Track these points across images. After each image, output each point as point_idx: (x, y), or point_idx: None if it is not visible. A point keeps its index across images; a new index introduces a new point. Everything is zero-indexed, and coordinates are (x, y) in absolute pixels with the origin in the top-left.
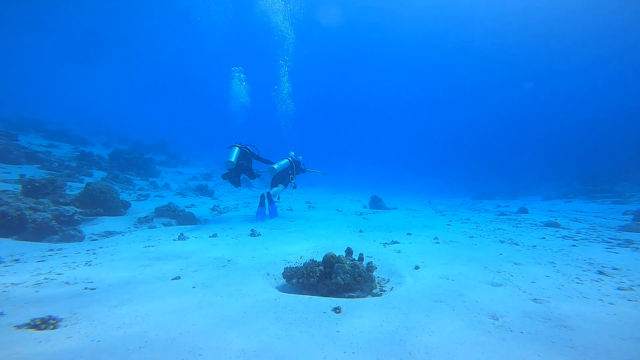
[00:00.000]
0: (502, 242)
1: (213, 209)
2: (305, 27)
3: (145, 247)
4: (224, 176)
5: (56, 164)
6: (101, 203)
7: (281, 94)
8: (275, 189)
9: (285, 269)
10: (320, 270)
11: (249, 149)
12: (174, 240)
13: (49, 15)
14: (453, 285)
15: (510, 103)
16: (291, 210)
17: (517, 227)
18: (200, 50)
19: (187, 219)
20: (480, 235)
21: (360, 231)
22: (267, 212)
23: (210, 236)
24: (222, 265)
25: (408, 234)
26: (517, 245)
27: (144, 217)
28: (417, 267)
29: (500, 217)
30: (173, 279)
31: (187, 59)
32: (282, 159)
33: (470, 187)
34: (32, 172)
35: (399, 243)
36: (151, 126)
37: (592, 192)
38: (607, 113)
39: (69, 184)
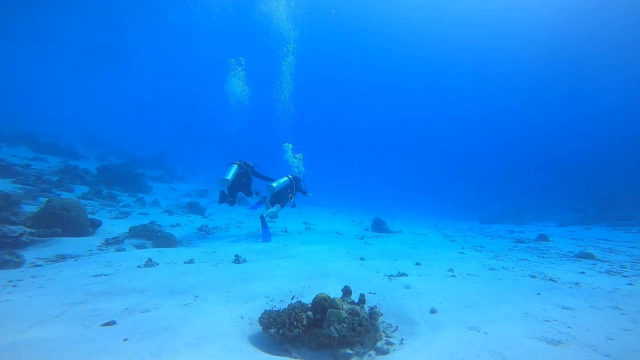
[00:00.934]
0: (532, 276)
1: (200, 229)
2: (306, 38)
3: (95, 276)
4: (221, 201)
5: (33, 178)
6: (62, 222)
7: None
8: (271, 210)
9: (264, 313)
10: (308, 316)
11: (249, 166)
12: (137, 267)
13: (54, 27)
14: (489, 342)
15: (516, 122)
16: (286, 232)
17: (543, 257)
18: (202, 62)
19: (166, 241)
20: (504, 268)
21: (362, 259)
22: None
23: (185, 262)
24: (184, 304)
25: (417, 263)
26: (554, 281)
27: (113, 239)
28: (433, 311)
29: (519, 244)
30: (103, 325)
31: (189, 72)
32: (282, 176)
33: (476, 209)
34: (4, 186)
35: (407, 275)
36: (151, 140)
37: (612, 218)
38: (620, 133)
39: (41, 199)
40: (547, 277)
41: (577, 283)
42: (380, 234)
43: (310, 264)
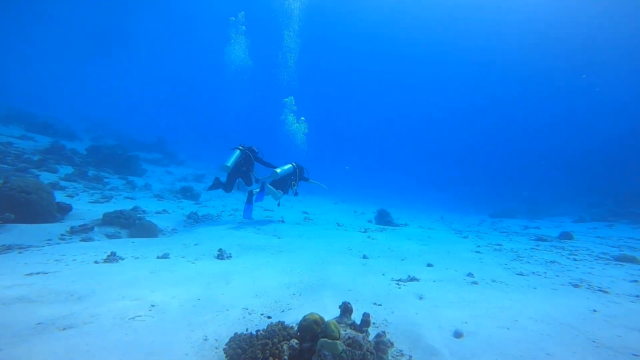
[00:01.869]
0: (574, 285)
1: (189, 217)
2: (310, 26)
3: (29, 274)
4: (211, 188)
5: (12, 156)
6: (19, 206)
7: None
8: (273, 190)
9: (232, 338)
10: (291, 347)
11: (253, 151)
12: (94, 263)
13: (56, 10)
14: None
15: (526, 113)
16: (283, 222)
17: (574, 260)
18: (206, 44)
19: (145, 230)
20: (534, 273)
21: (365, 257)
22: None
23: (158, 257)
24: (131, 317)
25: (429, 265)
26: (606, 293)
27: (81, 226)
28: (458, 334)
29: (541, 243)
30: None
31: (195, 57)
32: (286, 163)
33: (485, 202)
34: None
35: (418, 280)
36: (155, 125)
37: (635, 215)
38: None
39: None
40: (593, 287)
41: (638, 296)
42: (385, 227)
43: (305, 263)
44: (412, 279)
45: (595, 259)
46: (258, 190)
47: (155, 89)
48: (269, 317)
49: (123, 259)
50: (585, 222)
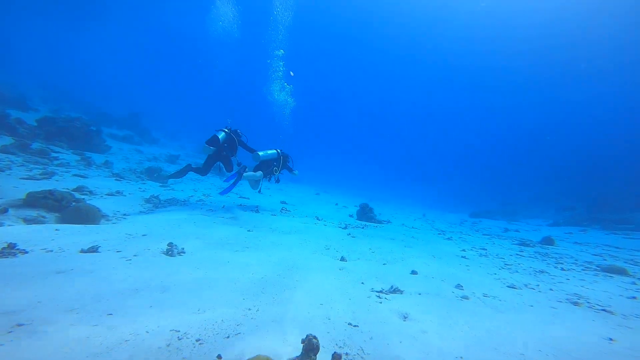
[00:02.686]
0: (573, 303)
1: (148, 200)
2: (302, 20)
3: None
4: (179, 175)
5: None
6: None
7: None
8: (252, 173)
9: None
10: None
11: (238, 134)
12: None
13: None
14: None
15: (508, 118)
16: (257, 211)
17: (562, 269)
18: (197, 16)
19: (80, 215)
20: (525, 286)
21: (343, 259)
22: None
23: (83, 250)
24: None
25: (413, 272)
26: (611, 313)
27: None
28: None
29: (524, 248)
30: None
31: (184, 27)
32: (270, 149)
33: (465, 201)
34: None
35: (402, 293)
36: (130, 99)
37: (608, 221)
38: (612, 134)
39: None
40: (594, 305)
41: None
42: (367, 223)
43: (272, 265)
44: (395, 290)
45: (582, 269)
46: (235, 172)
47: (132, 62)
48: (202, 343)
49: (26, 253)
50: (560, 225)
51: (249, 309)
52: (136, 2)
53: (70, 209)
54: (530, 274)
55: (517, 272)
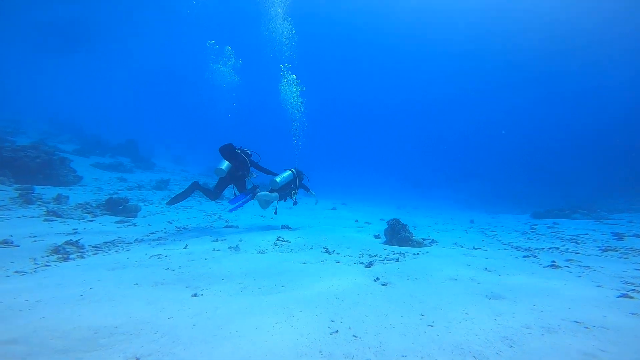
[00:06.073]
0: None
1: (56, 250)
2: (311, 29)
3: None
4: (173, 202)
5: None
6: None
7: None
8: (267, 193)
9: None
10: None
11: (247, 154)
12: None
13: (19, 5)
14: None
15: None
16: (241, 242)
17: None
18: (185, 40)
19: None
20: None
21: None
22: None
23: None
24: None
25: None
26: None
27: None
28: None
29: None
30: None
31: (173, 52)
32: (285, 170)
33: (504, 198)
34: None
35: None
36: (135, 128)
37: None
38: None
39: None
40: None
41: None
42: (402, 249)
43: None
44: None
45: None
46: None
47: (136, 87)
48: None
49: None
50: None
51: None
52: (141, 35)
53: None
54: None
55: None
